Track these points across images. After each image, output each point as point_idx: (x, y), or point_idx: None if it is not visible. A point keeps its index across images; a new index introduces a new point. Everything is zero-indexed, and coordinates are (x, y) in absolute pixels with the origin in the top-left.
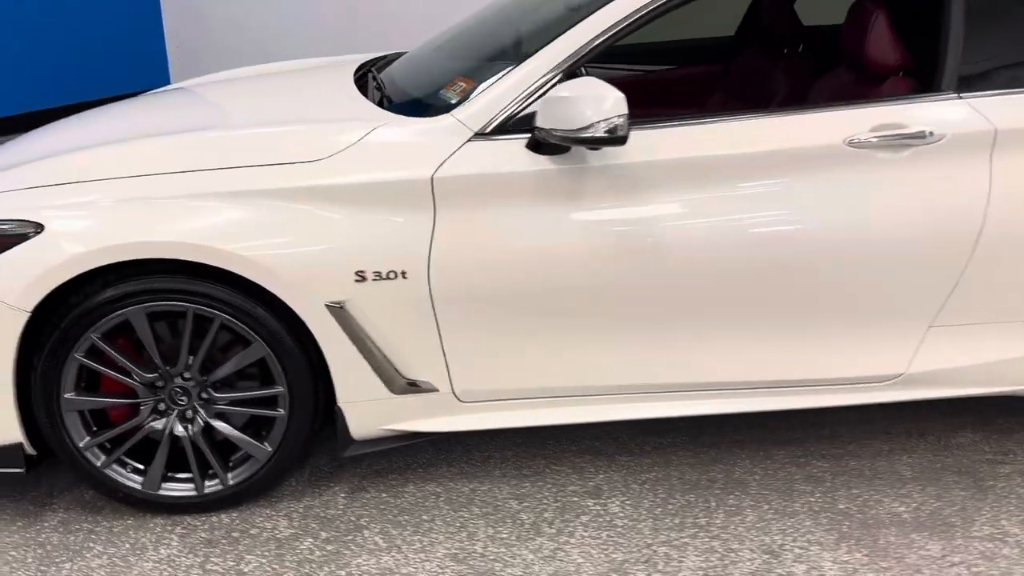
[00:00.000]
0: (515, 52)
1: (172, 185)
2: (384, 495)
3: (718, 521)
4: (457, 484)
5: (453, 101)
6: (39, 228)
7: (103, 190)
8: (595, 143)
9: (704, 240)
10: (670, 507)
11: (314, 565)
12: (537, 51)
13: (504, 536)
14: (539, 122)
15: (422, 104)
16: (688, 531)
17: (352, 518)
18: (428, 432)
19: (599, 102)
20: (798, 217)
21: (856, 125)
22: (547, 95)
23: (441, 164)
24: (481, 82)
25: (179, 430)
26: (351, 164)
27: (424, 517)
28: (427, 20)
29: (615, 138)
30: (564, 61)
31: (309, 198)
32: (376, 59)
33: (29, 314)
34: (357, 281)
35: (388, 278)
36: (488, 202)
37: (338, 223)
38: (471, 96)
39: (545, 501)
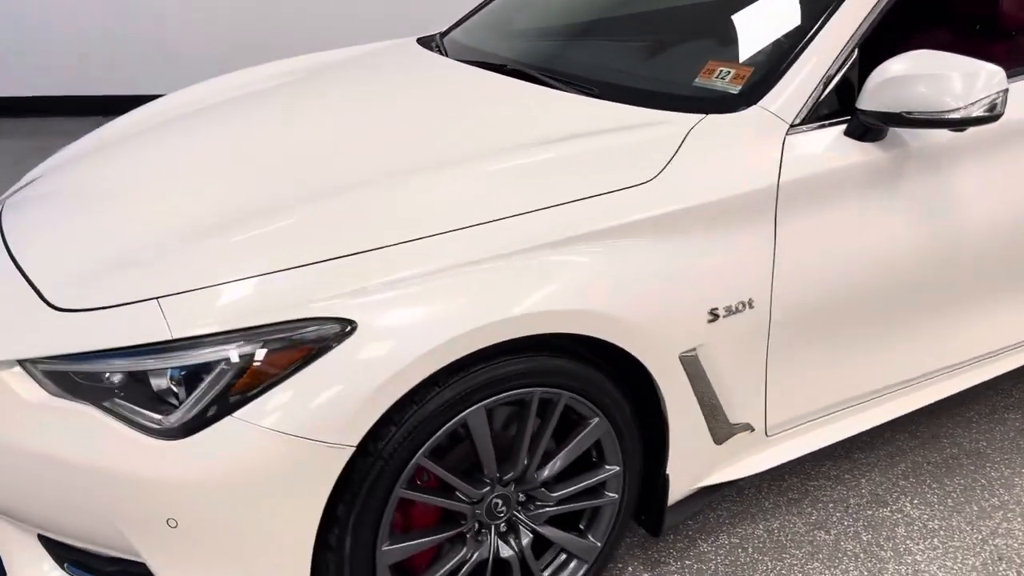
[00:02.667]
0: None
1: (491, 240)
2: (689, 563)
3: (1004, 494)
4: (746, 529)
5: (734, 91)
6: (349, 326)
7: (405, 258)
8: (967, 124)
9: (1008, 212)
10: (953, 494)
11: None
12: (817, 25)
13: (852, 572)
14: (866, 105)
15: (666, 97)
16: (996, 513)
17: None
18: (733, 480)
19: (971, 78)
20: None
21: None
22: (884, 75)
23: (780, 166)
24: (754, 66)
25: (505, 552)
26: (684, 181)
27: (753, 574)
28: None
29: (992, 116)
30: (855, 34)
31: (651, 229)
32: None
33: (354, 449)
34: (710, 321)
35: (737, 311)
36: (824, 203)
37: (684, 255)
38: (756, 82)
39: (845, 522)
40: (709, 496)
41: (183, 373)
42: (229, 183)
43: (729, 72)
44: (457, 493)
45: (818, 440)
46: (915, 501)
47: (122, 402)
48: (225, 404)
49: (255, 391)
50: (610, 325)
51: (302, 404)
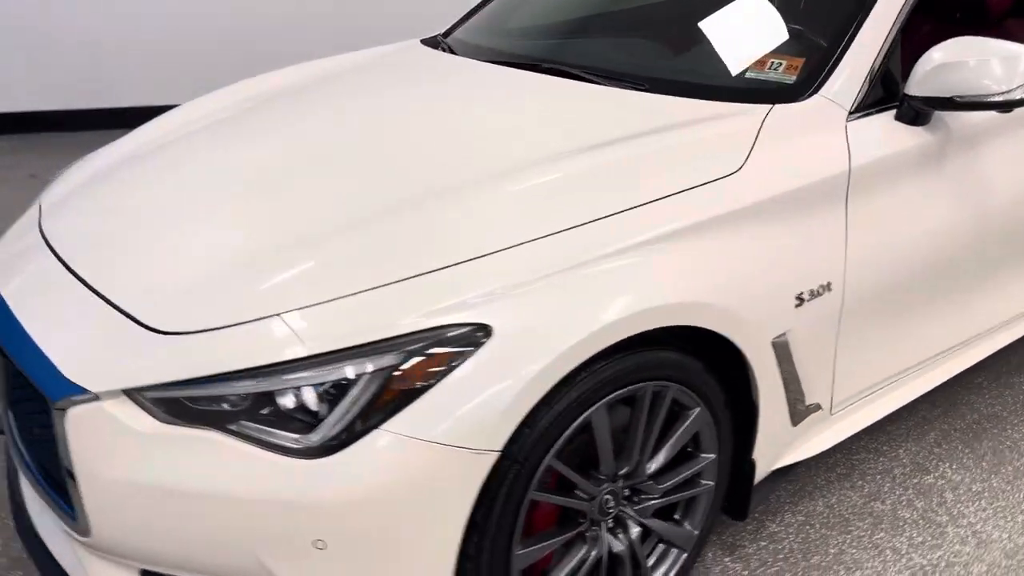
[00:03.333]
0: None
1: (600, 239)
2: (764, 543)
3: None
4: (807, 506)
5: (790, 81)
6: (485, 331)
7: (524, 261)
8: (1013, 105)
9: None
10: (986, 457)
11: None
12: (862, 14)
13: (918, 538)
14: (915, 91)
15: (722, 90)
16: None
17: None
18: (800, 460)
19: (1013, 62)
20: None
21: None
22: (931, 63)
23: (849, 153)
24: (805, 56)
25: (616, 547)
26: (767, 170)
27: (829, 550)
28: None
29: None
30: (895, 22)
31: (743, 218)
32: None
33: (499, 453)
34: (796, 306)
35: (818, 295)
36: (886, 186)
37: (772, 242)
38: (810, 72)
39: (897, 492)
40: (781, 478)
41: (322, 389)
42: (304, 194)
43: (781, 63)
44: (577, 492)
45: (875, 413)
46: (954, 466)
47: (251, 424)
48: (371, 418)
49: (401, 402)
50: (718, 315)
51: (448, 412)
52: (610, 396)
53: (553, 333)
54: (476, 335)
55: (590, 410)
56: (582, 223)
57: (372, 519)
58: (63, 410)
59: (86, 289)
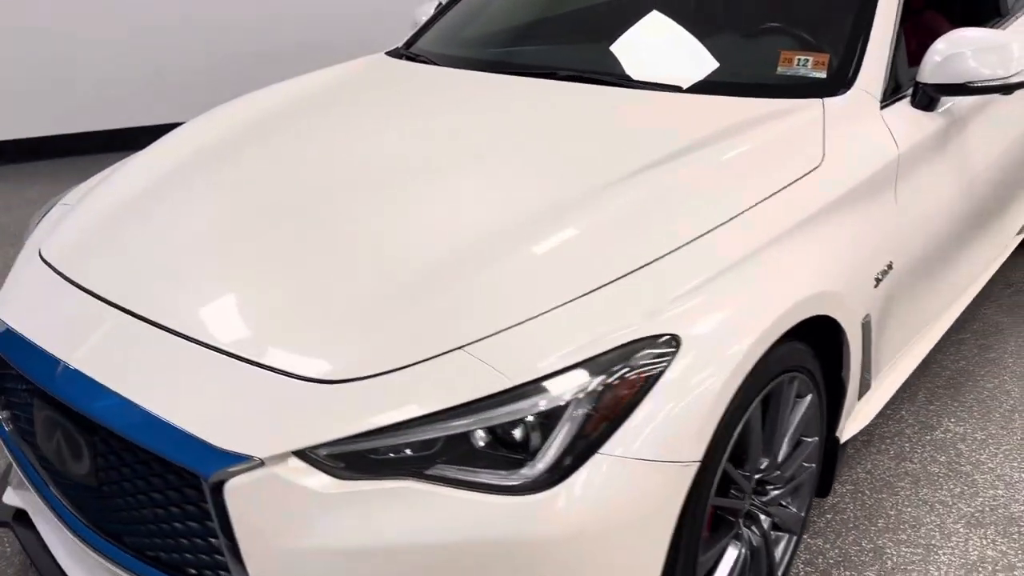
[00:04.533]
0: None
1: (744, 239)
2: (829, 516)
3: (1007, 399)
4: (849, 475)
5: (822, 76)
6: (675, 340)
7: (682, 268)
8: (1014, 88)
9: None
10: (975, 407)
11: None
12: (871, 9)
13: (956, 490)
14: (928, 79)
15: (762, 87)
16: (1015, 416)
17: (865, 547)
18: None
19: (1009, 50)
20: None
21: None
22: (941, 53)
23: (895, 140)
24: (829, 52)
25: (756, 540)
26: (842, 161)
27: (888, 512)
28: None
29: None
30: (898, 15)
31: (833, 208)
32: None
33: (700, 464)
34: (875, 287)
35: (886, 274)
36: (920, 167)
37: (854, 228)
38: (839, 66)
39: (917, 450)
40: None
41: (532, 420)
42: (424, 215)
43: (807, 59)
44: (732, 491)
45: (898, 379)
46: (952, 420)
47: (449, 466)
48: (587, 443)
49: (612, 424)
50: (836, 302)
51: (655, 428)
52: (764, 391)
53: (730, 336)
54: (667, 346)
55: (751, 407)
56: (715, 226)
57: (597, 543)
58: (220, 483)
59: (198, 346)
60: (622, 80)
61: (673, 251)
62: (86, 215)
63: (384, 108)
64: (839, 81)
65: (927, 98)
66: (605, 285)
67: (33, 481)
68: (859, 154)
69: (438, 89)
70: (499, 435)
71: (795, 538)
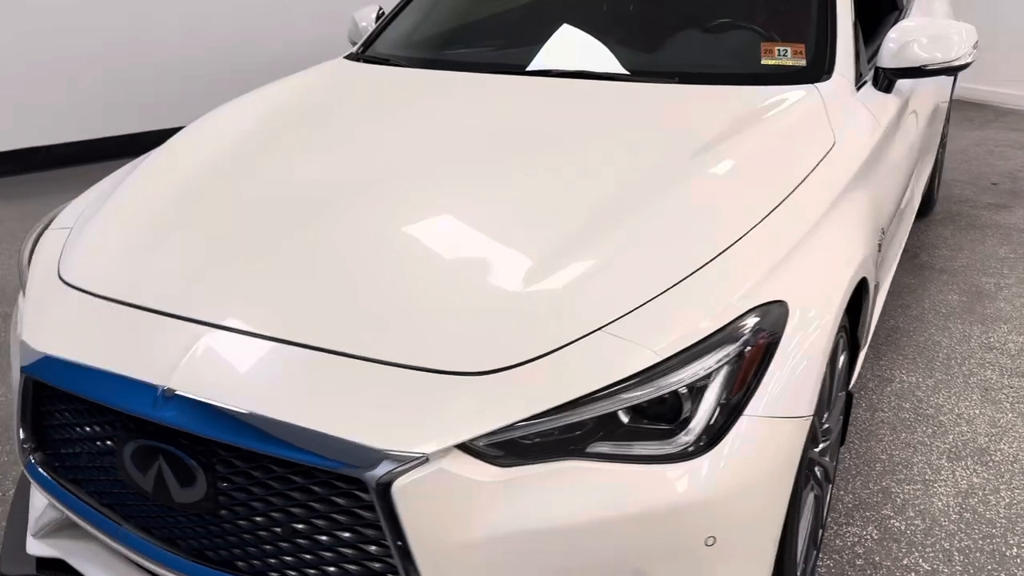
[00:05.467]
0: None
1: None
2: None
3: (940, 350)
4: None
5: (803, 64)
6: (783, 305)
7: (769, 239)
8: (960, 69)
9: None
10: (917, 358)
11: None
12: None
13: (929, 431)
14: (888, 64)
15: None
16: (952, 361)
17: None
18: None
19: (956, 35)
20: None
21: None
22: (898, 40)
23: (876, 118)
24: (802, 41)
25: (817, 489)
26: (849, 138)
27: (880, 456)
28: None
29: (972, 61)
30: (852, 5)
31: (851, 183)
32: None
33: (812, 417)
34: (879, 250)
35: (882, 239)
36: (889, 141)
37: (863, 200)
38: (815, 55)
39: (896, 405)
40: None
41: (682, 390)
42: (530, 204)
43: (786, 50)
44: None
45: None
46: (903, 371)
47: (606, 442)
48: (731, 406)
49: (750, 387)
50: (869, 265)
51: (782, 386)
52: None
53: (824, 299)
54: (781, 311)
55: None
56: (779, 203)
57: (742, 502)
58: (386, 485)
59: (322, 354)
60: (618, 75)
61: (757, 225)
62: (108, 233)
63: (409, 110)
64: (819, 68)
65: (887, 81)
66: (711, 260)
67: (96, 523)
68: (857, 132)
69: (446, 91)
70: (649, 408)
71: (831, 486)
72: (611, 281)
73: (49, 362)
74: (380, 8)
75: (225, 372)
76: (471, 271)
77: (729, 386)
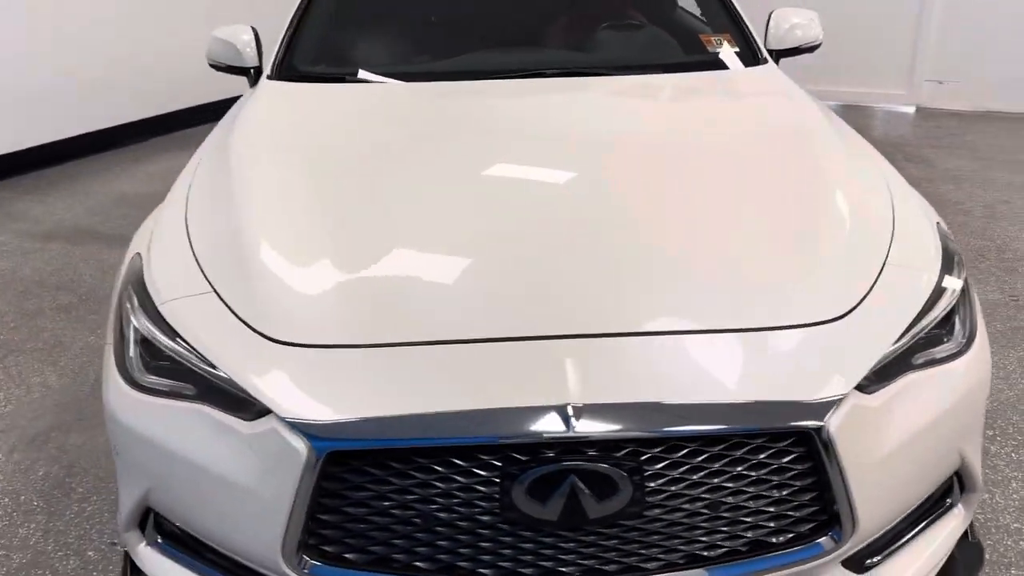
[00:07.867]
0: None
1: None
2: None
3: None
4: None
5: (738, 50)
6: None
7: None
8: (817, 47)
9: None
10: None
11: None
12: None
13: None
14: (774, 45)
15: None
16: None
17: None
18: None
19: (814, 20)
20: None
21: None
22: (782, 25)
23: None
24: (726, 32)
25: None
26: (812, 106)
27: None
28: None
29: (820, 42)
30: None
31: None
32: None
33: None
34: None
35: None
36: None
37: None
38: (740, 43)
39: None
40: None
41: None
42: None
43: (720, 40)
44: None
45: None
46: None
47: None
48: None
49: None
50: None
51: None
52: None
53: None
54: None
55: None
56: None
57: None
58: (821, 426)
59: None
60: (604, 70)
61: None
62: (281, 275)
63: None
64: (750, 53)
65: (777, 59)
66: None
67: None
68: (812, 100)
69: (474, 100)
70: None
71: None
72: (859, 233)
73: (385, 422)
74: (252, 27)
75: (614, 375)
76: (760, 242)
77: (965, 305)
